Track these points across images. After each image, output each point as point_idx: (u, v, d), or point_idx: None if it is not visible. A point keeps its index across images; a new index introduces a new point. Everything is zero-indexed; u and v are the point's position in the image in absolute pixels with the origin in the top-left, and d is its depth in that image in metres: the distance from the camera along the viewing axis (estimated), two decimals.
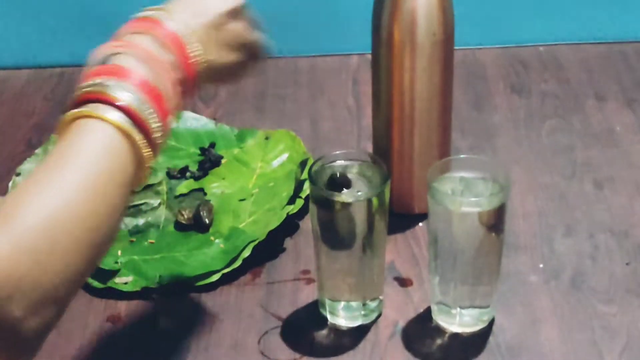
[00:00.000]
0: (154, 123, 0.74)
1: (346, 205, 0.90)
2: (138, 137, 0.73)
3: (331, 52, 1.41)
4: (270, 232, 1.04)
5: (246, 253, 1.02)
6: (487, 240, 0.91)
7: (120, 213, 0.72)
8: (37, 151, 1.19)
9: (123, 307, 0.99)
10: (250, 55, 0.89)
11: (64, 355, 0.94)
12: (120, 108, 0.73)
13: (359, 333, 0.95)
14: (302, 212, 1.09)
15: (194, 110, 1.28)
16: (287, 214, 1.07)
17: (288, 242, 1.07)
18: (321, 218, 0.92)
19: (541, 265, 1.02)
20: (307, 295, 1.00)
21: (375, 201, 0.91)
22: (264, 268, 1.03)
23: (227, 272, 1.01)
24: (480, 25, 1.40)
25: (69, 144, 0.72)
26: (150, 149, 0.74)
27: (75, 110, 0.73)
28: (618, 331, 0.94)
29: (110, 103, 0.73)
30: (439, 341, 0.94)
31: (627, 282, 1.00)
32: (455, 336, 0.94)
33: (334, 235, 0.93)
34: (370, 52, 1.05)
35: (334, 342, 0.95)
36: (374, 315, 0.97)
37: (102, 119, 0.72)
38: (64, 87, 1.37)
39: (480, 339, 0.94)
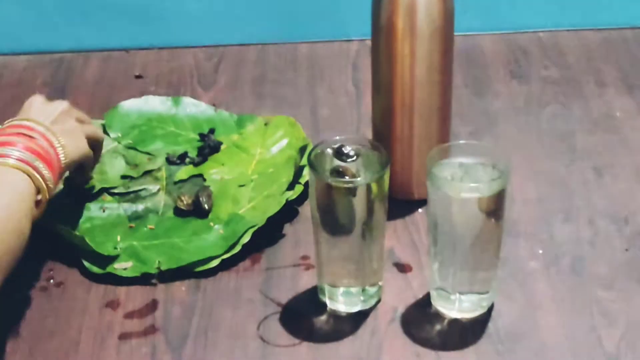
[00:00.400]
0: (42, 168, 0.94)
1: (346, 191, 0.90)
2: (31, 171, 0.92)
3: (331, 38, 1.41)
4: (270, 218, 1.04)
5: (245, 239, 1.02)
6: (487, 226, 0.91)
7: (11, 251, 0.88)
8: None
9: (122, 293, 0.99)
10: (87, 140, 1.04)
11: (63, 340, 0.94)
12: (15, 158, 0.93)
13: (358, 319, 0.95)
14: (302, 197, 1.09)
15: (194, 96, 1.28)
16: (287, 199, 1.07)
17: (287, 228, 1.07)
18: (320, 204, 0.92)
19: (540, 251, 1.02)
20: (306, 281, 1.00)
21: (374, 187, 0.90)
22: (263, 254, 1.03)
23: (227, 258, 1.01)
24: (480, 11, 1.39)
25: None
26: (44, 183, 0.93)
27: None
28: (617, 317, 0.94)
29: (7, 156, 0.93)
30: (438, 327, 0.94)
31: (626, 268, 1.00)
32: (454, 322, 0.94)
33: (333, 221, 0.92)
34: (370, 38, 1.05)
35: (333, 328, 0.95)
36: (373, 301, 0.97)
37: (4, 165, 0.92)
38: (63, 72, 1.37)
39: (479, 324, 0.94)
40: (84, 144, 1.02)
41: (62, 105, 1.02)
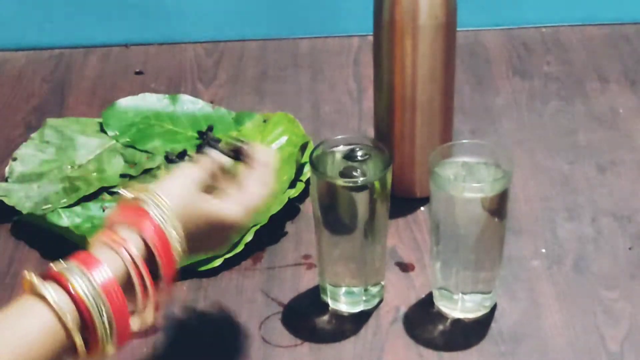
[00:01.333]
0: (101, 322, 0.72)
1: (348, 190, 0.89)
2: (74, 330, 0.71)
3: (332, 33, 1.40)
4: (271, 216, 1.04)
5: (248, 237, 1.02)
6: (490, 226, 0.90)
7: None
8: (32, 135, 1.18)
9: None
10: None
11: None
12: (71, 297, 0.71)
13: (360, 319, 0.95)
14: (303, 195, 1.08)
15: (194, 93, 1.27)
16: (288, 197, 1.06)
17: (289, 226, 1.06)
18: (322, 203, 0.91)
19: (543, 250, 1.02)
20: (308, 280, 0.99)
21: (377, 185, 0.90)
22: (265, 253, 1.03)
23: (229, 257, 1.01)
24: (482, 7, 1.39)
25: (6, 316, 0.71)
26: (90, 348, 0.72)
27: (33, 282, 0.72)
28: (620, 316, 0.94)
29: (64, 287, 0.72)
30: (440, 327, 0.94)
31: (630, 267, 1.00)
32: (457, 322, 0.94)
33: (335, 220, 0.92)
34: (371, 33, 1.04)
35: (335, 328, 0.95)
36: (375, 301, 0.96)
37: (46, 303, 0.71)
38: (62, 68, 1.36)
39: (482, 324, 0.94)
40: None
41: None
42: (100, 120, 1.21)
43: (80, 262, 0.73)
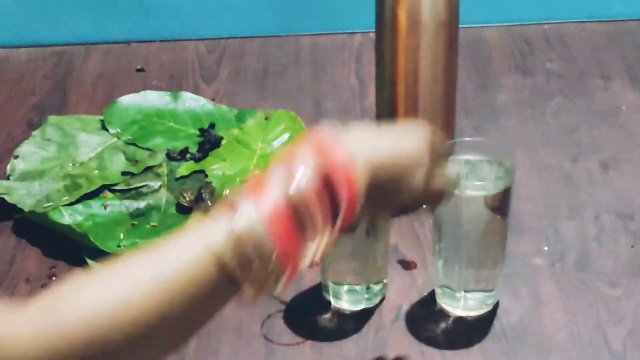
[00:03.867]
0: (264, 261, 0.64)
1: None
2: (237, 270, 0.63)
3: (334, 30, 1.40)
4: None
5: None
6: (492, 224, 0.90)
7: (183, 336, 0.65)
8: (34, 133, 1.18)
9: None
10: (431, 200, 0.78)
11: None
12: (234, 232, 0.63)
13: (362, 317, 0.95)
14: None
15: (196, 90, 1.27)
16: None
17: None
18: None
19: (546, 248, 1.02)
20: (310, 278, 0.99)
21: None
22: None
23: None
24: (485, 4, 1.38)
25: (163, 247, 0.65)
26: (252, 283, 0.64)
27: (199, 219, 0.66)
28: (623, 314, 0.94)
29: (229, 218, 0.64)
30: (443, 325, 0.94)
31: (632, 265, 0.99)
32: (459, 320, 0.94)
33: None
34: (373, 30, 1.04)
35: (337, 326, 0.94)
36: (377, 299, 0.96)
37: (206, 243, 0.63)
38: (64, 65, 1.36)
39: (484, 322, 0.93)
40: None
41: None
42: (101, 117, 1.21)
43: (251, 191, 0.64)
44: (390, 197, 0.72)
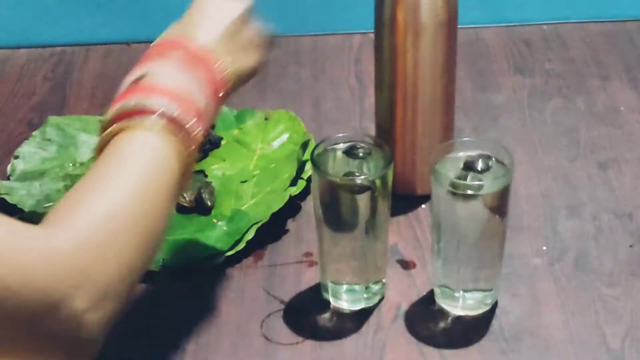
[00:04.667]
0: (190, 125, 0.78)
1: (348, 188, 0.90)
2: (179, 136, 0.77)
3: (333, 30, 1.40)
4: (272, 214, 1.04)
5: (250, 235, 1.02)
6: (491, 223, 0.90)
7: (167, 214, 0.76)
8: (34, 133, 1.18)
9: None
10: (265, 50, 0.92)
11: None
12: (157, 115, 0.77)
13: (361, 316, 0.95)
14: (304, 193, 1.08)
15: None
16: (290, 195, 1.06)
17: (290, 224, 1.06)
18: (324, 201, 0.91)
19: (544, 248, 1.02)
20: (309, 278, 0.99)
21: (378, 183, 0.90)
22: (266, 251, 1.03)
23: (230, 255, 1.01)
24: (483, 4, 1.39)
25: (114, 154, 0.75)
26: (191, 149, 0.78)
27: (114, 126, 0.78)
28: (622, 314, 0.94)
29: (145, 114, 0.77)
30: (442, 324, 0.94)
31: (631, 265, 1.00)
32: (458, 319, 0.94)
33: (336, 218, 0.92)
34: (373, 31, 1.04)
35: (336, 326, 0.95)
36: (376, 299, 0.96)
37: (142, 129, 0.76)
38: (64, 66, 1.36)
39: (483, 322, 0.94)
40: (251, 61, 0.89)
41: (235, 11, 0.88)
42: (102, 118, 1.20)
43: (141, 92, 0.78)
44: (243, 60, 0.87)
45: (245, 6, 0.89)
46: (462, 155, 0.90)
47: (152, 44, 0.85)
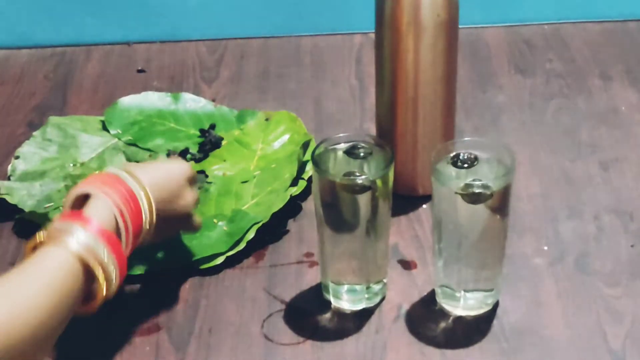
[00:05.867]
0: (109, 261, 0.81)
1: (352, 189, 0.89)
2: (95, 265, 0.80)
3: (334, 31, 1.40)
4: (273, 214, 1.04)
5: (250, 235, 1.02)
6: (492, 223, 0.90)
7: (63, 323, 0.79)
8: (35, 133, 1.18)
9: (126, 291, 0.99)
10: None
11: (63, 339, 0.94)
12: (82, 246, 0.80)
13: (362, 316, 0.95)
14: (305, 193, 1.08)
15: (196, 91, 1.27)
16: (290, 195, 1.06)
17: (291, 224, 1.06)
18: (324, 201, 0.91)
19: (545, 248, 1.02)
20: (310, 278, 0.99)
21: (378, 183, 0.90)
22: (267, 251, 1.03)
23: (231, 255, 1.01)
24: (484, 4, 1.39)
25: (28, 264, 0.78)
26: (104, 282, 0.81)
27: (40, 237, 0.82)
28: (623, 314, 0.94)
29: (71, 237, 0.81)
30: (443, 324, 0.94)
31: (632, 265, 1.00)
32: (459, 319, 0.94)
33: (337, 218, 0.92)
34: (373, 31, 1.04)
35: (337, 326, 0.95)
36: (377, 299, 0.96)
37: (62, 246, 0.79)
38: (65, 66, 1.36)
39: (484, 322, 0.94)
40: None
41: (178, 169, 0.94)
42: (102, 118, 1.21)
43: (75, 220, 0.82)
44: (170, 213, 0.91)
45: (190, 174, 0.95)
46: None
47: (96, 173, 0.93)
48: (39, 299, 0.76)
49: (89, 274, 0.80)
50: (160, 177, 0.91)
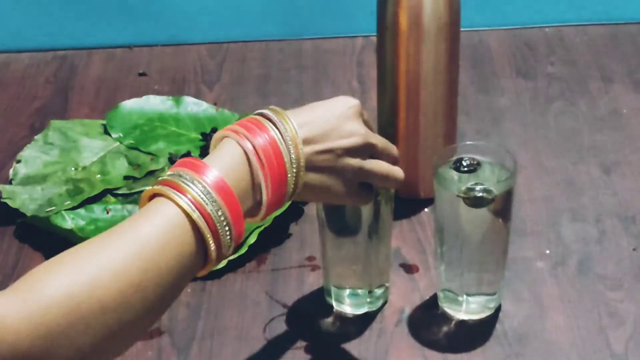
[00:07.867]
0: (220, 223, 0.70)
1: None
2: (203, 225, 0.69)
3: (335, 34, 1.40)
4: (275, 218, 1.03)
5: (252, 239, 1.02)
6: (494, 227, 0.90)
7: (159, 307, 0.69)
8: (36, 137, 1.18)
9: None
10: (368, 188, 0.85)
11: None
12: (189, 200, 0.69)
13: (364, 320, 0.95)
14: None
15: (198, 94, 1.27)
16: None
17: (293, 228, 1.06)
18: (327, 205, 0.91)
19: (548, 251, 1.02)
20: (312, 282, 0.99)
21: None
22: (269, 255, 1.03)
23: (233, 259, 1.01)
24: (486, 7, 1.38)
25: (129, 220, 0.70)
26: (214, 245, 0.70)
27: (153, 187, 0.72)
28: (625, 317, 0.94)
29: (181, 192, 0.70)
30: (445, 328, 0.94)
31: (634, 268, 0.99)
32: (461, 323, 0.94)
33: (339, 221, 0.92)
34: (375, 34, 1.04)
35: (339, 330, 0.95)
36: (379, 303, 0.96)
37: (172, 200, 0.69)
38: (66, 70, 1.36)
39: (486, 326, 0.94)
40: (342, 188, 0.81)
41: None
42: (104, 122, 1.21)
43: (188, 168, 0.71)
44: (329, 168, 0.79)
45: (363, 143, 0.82)
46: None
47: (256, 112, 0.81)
48: (128, 261, 0.66)
49: (199, 233, 0.69)
50: (315, 115, 0.81)
